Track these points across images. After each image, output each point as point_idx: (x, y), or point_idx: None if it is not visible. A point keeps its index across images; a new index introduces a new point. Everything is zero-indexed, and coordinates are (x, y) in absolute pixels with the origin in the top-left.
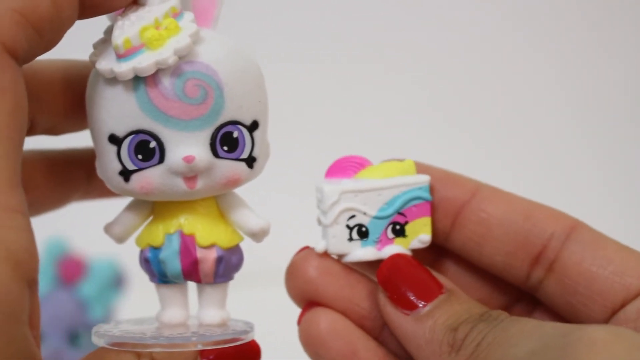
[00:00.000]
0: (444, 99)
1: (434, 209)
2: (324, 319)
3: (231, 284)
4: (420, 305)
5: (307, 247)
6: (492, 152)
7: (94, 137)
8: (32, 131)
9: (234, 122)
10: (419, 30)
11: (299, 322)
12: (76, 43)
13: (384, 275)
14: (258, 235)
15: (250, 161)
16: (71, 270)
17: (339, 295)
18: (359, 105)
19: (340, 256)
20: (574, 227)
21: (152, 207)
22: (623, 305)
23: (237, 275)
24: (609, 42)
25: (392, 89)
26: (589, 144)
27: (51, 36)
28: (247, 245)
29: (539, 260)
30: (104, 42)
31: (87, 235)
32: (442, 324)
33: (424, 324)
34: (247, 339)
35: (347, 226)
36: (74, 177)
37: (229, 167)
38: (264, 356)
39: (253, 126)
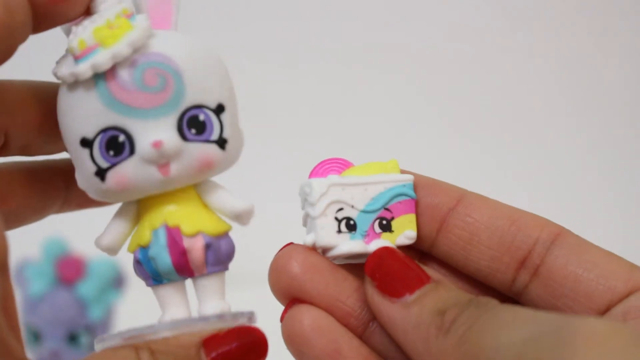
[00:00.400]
0: (437, 100)
1: (419, 215)
2: (308, 316)
3: (228, 282)
4: (408, 294)
5: (291, 243)
6: (487, 155)
7: (69, 147)
8: (6, 150)
9: (198, 106)
10: (413, 30)
11: (282, 319)
12: (45, 64)
13: (371, 266)
14: (242, 217)
15: (222, 142)
16: (70, 270)
17: (324, 293)
18: (349, 107)
19: (327, 249)
20: (559, 234)
21: (138, 211)
22: (608, 308)
23: (235, 275)
24: (607, 44)
25: (383, 91)
26: (586, 146)
27: (5, 44)
28: (248, 245)
29: (524, 264)
30: (65, 57)
31: (86, 235)
32: (430, 308)
33: (411, 309)
34: (249, 322)
35: (336, 218)
36: (52, 187)
37: (200, 149)
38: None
39: (219, 109)
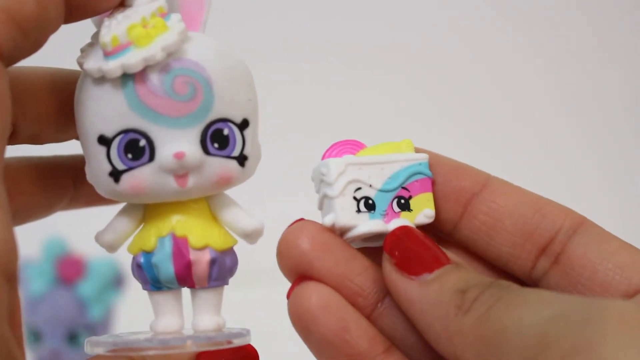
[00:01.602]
0: (443, 97)
1: (443, 198)
2: (316, 293)
3: (230, 282)
4: (427, 273)
5: (301, 219)
6: (492, 150)
7: (83, 140)
8: (15, 139)
9: (224, 120)
10: (417, 29)
11: (289, 295)
12: (64, 51)
13: (390, 244)
14: (251, 236)
15: (242, 159)
16: (70, 270)
17: (333, 271)
18: (355, 104)
19: (346, 230)
20: (582, 223)
21: (144, 213)
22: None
23: (237, 274)
24: (611, 39)
25: (390, 86)
26: (589, 142)
27: (37, 36)
28: (250, 244)
29: (545, 252)
30: (92, 46)
31: (86, 235)
32: (450, 287)
33: (430, 287)
34: (242, 342)
35: (354, 198)
36: (60, 184)
37: (220, 165)
38: (262, 356)
39: (243, 124)
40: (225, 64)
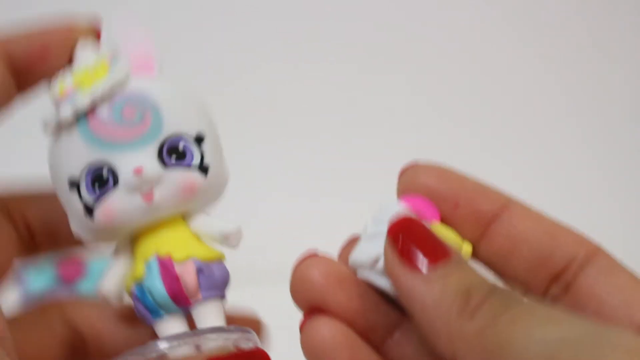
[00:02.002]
0: (445, 98)
1: (465, 219)
2: (328, 328)
3: (235, 282)
4: (431, 265)
5: (314, 253)
6: (493, 152)
7: (60, 195)
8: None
9: (178, 135)
10: (422, 32)
11: (301, 328)
12: None
13: (395, 229)
14: (231, 238)
15: (203, 168)
16: (70, 270)
17: (346, 306)
18: (360, 107)
19: (366, 269)
20: (596, 253)
21: (132, 250)
22: None
23: (241, 274)
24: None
25: (396, 89)
26: (590, 146)
27: None
28: (255, 245)
29: (557, 280)
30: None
31: None
32: (453, 287)
33: (434, 284)
34: (248, 346)
35: None
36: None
37: (181, 175)
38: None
39: (198, 138)
40: (169, 88)
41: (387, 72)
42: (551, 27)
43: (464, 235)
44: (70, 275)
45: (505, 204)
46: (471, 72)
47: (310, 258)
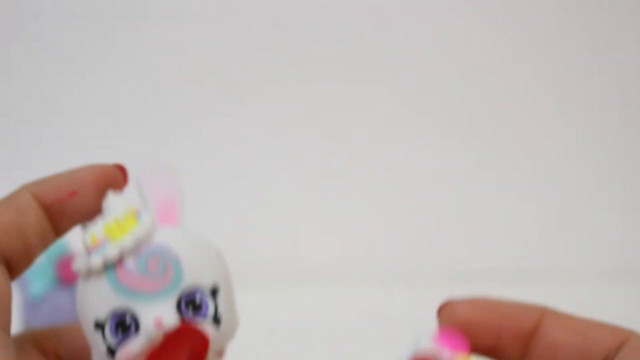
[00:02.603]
0: (446, 100)
1: (507, 340)
2: None
3: (235, 282)
4: None
5: None
6: (494, 155)
7: (86, 333)
8: None
9: (195, 287)
10: (422, 31)
11: None
12: None
13: None
14: None
15: (216, 320)
16: (70, 270)
17: None
18: (360, 108)
19: None
20: (626, 341)
21: None
22: None
23: (251, 275)
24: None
25: (396, 90)
26: (589, 145)
27: (20, 244)
28: (255, 245)
29: None
30: (81, 252)
31: None
32: None
33: None
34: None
35: None
36: None
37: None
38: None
39: (213, 291)
40: (190, 243)
41: (387, 72)
42: (545, 33)
43: (508, 356)
44: (70, 276)
45: (540, 316)
46: (471, 72)
47: None
